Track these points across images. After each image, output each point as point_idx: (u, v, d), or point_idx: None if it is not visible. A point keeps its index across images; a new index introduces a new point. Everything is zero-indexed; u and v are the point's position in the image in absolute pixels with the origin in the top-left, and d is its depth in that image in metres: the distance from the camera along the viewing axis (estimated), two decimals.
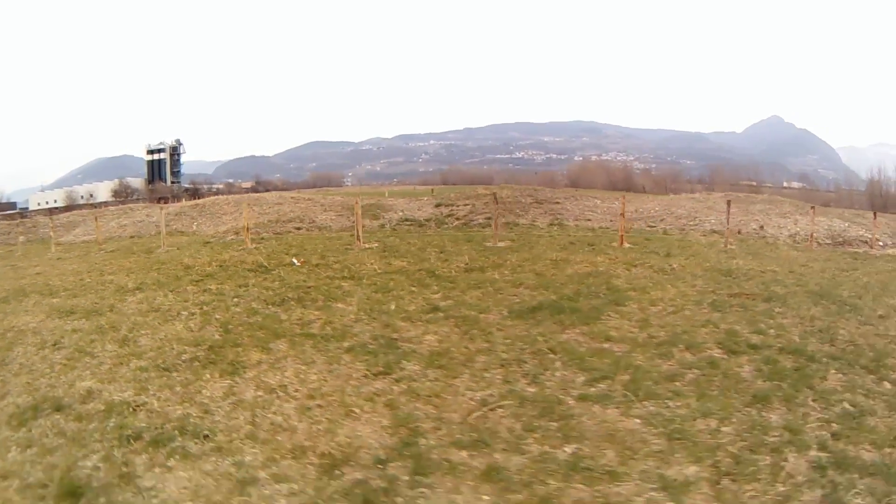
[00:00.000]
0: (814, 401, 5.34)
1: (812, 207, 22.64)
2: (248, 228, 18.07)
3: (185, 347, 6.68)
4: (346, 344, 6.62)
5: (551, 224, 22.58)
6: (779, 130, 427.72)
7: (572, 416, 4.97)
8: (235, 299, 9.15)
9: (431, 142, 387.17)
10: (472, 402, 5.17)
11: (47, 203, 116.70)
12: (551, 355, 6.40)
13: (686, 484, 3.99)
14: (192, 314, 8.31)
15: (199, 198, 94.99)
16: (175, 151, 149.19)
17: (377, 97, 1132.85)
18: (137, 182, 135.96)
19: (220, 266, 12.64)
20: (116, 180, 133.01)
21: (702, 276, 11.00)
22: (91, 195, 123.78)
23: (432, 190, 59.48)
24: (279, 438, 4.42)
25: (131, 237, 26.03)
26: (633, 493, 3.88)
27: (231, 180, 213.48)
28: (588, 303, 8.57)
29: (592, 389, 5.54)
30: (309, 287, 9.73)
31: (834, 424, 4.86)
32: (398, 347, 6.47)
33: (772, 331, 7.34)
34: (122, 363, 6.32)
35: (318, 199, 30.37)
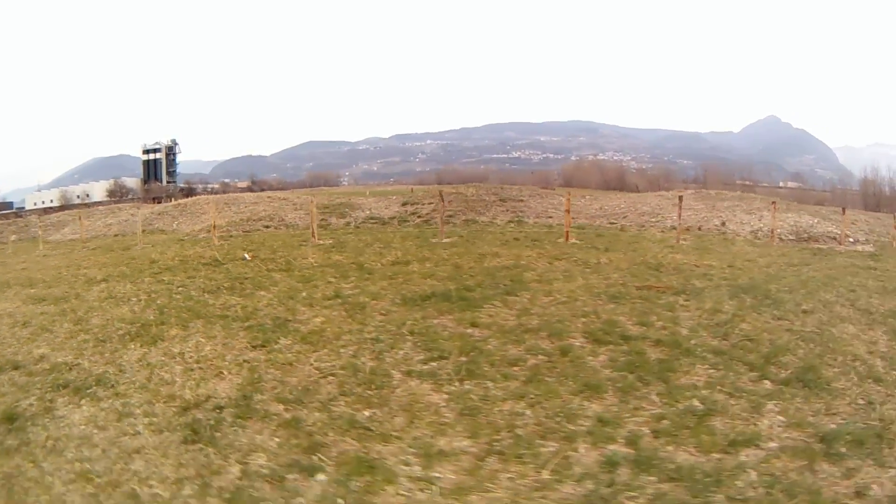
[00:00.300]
0: (658, 395, 5.42)
1: (773, 203, 22.88)
2: (214, 226, 19.47)
3: (123, 325, 8.02)
4: (247, 323, 7.85)
5: (510, 221, 23.50)
6: (776, 130, 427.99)
7: (388, 387, 5.65)
8: (180, 288, 10.47)
9: (428, 141, 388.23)
10: (315, 371, 6.12)
11: (43, 203, 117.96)
12: (409, 336, 7.13)
13: (447, 454, 4.37)
14: (140, 300, 9.67)
15: (192, 197, 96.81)
16: (171, 151, 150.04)
17: (374, 97, 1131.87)
18: (133, 182, 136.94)
19: (181, 261, 14.03)
20: (112, 180, 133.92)
21: (625, 269, 11.51)
22: (87, 195, 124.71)
23: (412, 189, 60.75)
24: (161, 389, 5.70)
25: (115, 235, 27.39)
26: (391, 453, 4.38)
27: (228, 180, 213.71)
28: (482, 292, 9.20)
29: (424, 367, 6.16)
30: (246, 278, 11.05)
31: (665, 421, 4.90)
32: (287, 327, 7.63)
33: (659, 323, 7.59)
34: (72, 337, 7.69)
35: (292, 198, 31.67)
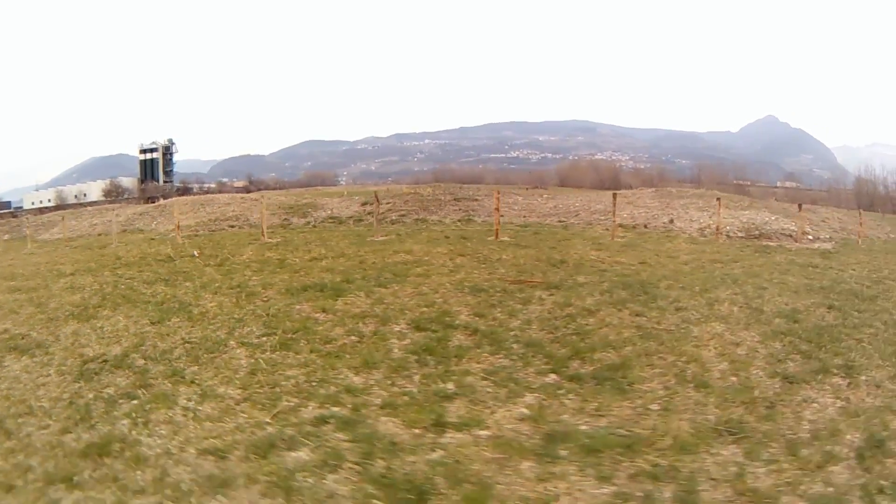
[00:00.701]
0: (425, 376, 6.05)
1: (718, 199, 22.26)
2: (178, 227, 21.42)
3: (71, 308, 9.96)
4: (162, 307, 9.62)
5: (459, 220, 24.60)
6: (774, 130, 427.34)
7: (219, 352, 7.02)
8: (127, 280, 12.39)
9: (426, 141, 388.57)
10: (180, 340, 7.62)
11: (41, 202, 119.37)
12: (263, 317, 8.49)
13: (218, 396, 5.68)
14: (91, 289, 11.61)
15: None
16: (167, 151, 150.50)
17: (373, 96, 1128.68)
18: (129, 182, 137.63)
19: (141, 258, 15.96)
20: (108, 180, 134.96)
21: (522, 265, 12.21)
22: (85, 195, 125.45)
23: (387, 189, 62.10)
24: (77, 350, 7.54)
25: (98, 235, 29.19)
26: (185, 393, 5.80)
27: (226, 179, 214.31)
28: (358, 284, 10.32)
29: (255, 340, 7.46)
30: (183, 272, 12.92)
31: (405, 397, 5.55)
32: (185, 309, 9.33)
33: (496, 314, 8.22)
34: (31, 317, 9.63)
35: (262, 200, 32.92)
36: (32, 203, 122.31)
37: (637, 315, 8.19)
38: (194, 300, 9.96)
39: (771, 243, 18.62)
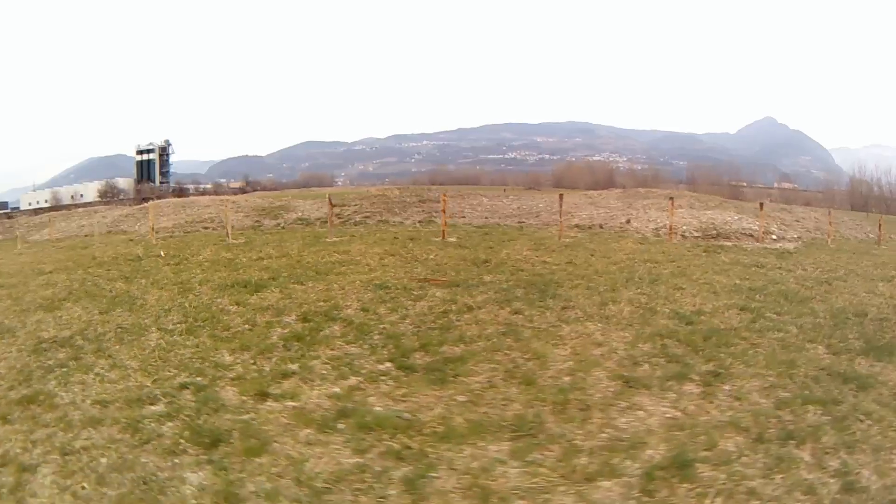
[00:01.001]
0: (279, 358, 6.95)
1: (671, 199, 22.36)
2: (153, 229, 22.87)
3: (42, 301, 11.24)
4: (114, 300, 10.84)
5: (420, 221, 25.35)
6: (772, 131, 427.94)
7: (140, 335, 8.18)
8: (95, 278, 13.59)
9: (424, 142, 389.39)
10: (116, 326, 8.67)
11: (38, 203, 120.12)
12: (187, 308, 9.60)
13: (118, 366, 6.86)
14: (63, 286, 12.82)
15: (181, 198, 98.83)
16: (164, 152, 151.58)
17: (371, 97, 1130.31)
18: (125, 183, 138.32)
19: (114, 257, 17.24)
20: (104, 181, 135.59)
21: (445, 264, 12.91)
22: (81, 195, 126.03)
23: (358, 191, 63.04)
24: (37, 333, 8.72)
25: (85, 236, 30.32)
26: (98, 363, 7.03)
27: (224, 180, 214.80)
28: (279, 281, 11.28)
29: (172, 326, 8.57)
30: (144, 270, 14.16)
31: (242, 370, 6.59)
32: (132, 301, 10.57)
33: (383, 309, 8.92)
34: (7, 308, 10.85)
35: (241, 202, 34.72)
36: (29, 203, 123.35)
37: (515, 313, 8.55)
38: (141, 294, 11.22)
39: (727, 243, 18.45)
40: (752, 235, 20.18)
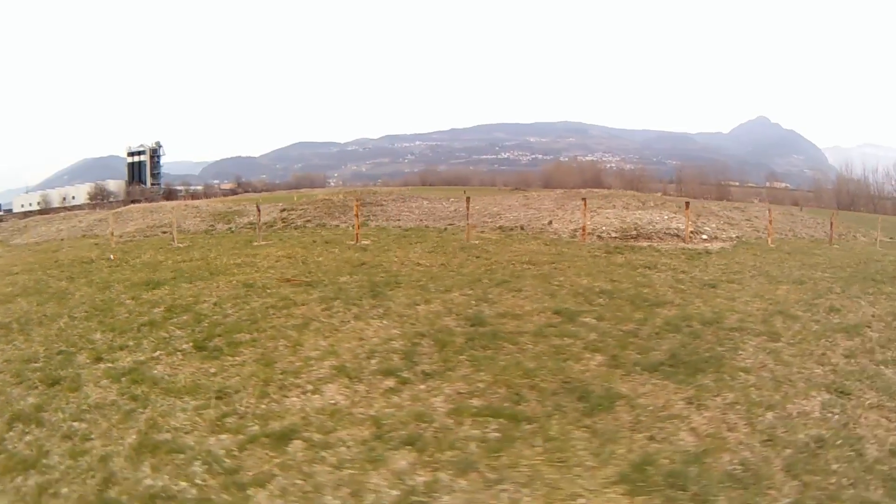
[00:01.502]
0: (119, 335, 8.41)
1: (584, 200, 21.49)
2: (112, 234, 24.49)
3: (0, 296, 12.77)
4: (53, 295, 12.25)
5: (360, 224, 25.15)
6: (765, 131, 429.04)
7: (53, 320, 9.66)
8: (48, 278, 14.90)
9: (417, 142, 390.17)
10: (41, 314, 10.24)
11: (30, 205, 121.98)
12: (97, 301, 11.00)
13: (28, 339, 8.53)
14: (21, 285, 14.14)
15: (170, 200, 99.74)
16: (155, 154, 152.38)
17: (364, 98, 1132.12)
18: (116, 185, 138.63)
19: (72, 261, 18.32)
20: (93, 183, 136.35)
21: (325, 267, 13.52)
22: (73, 197, 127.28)
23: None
24: None
25: (61, 239, 31.50)
26: (15, 333, 8.87)
27: (217, 181, 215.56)
28: (175, 281, 12.35)
29: (77, 314, 10.00)
30: (89, 271, 15.53)
31: (96, 343, 8.11)
32: (62, 297, 12.05)
33: (230, 304, 9.88)
34: None
35: (202, 207, 36.15)
36: (22, 205, 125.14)
37: (326, 309, 9.19)
38: (73, 291, 12.65)
39: (642, 244, 17.95)
40: (678, 235, 19.48)
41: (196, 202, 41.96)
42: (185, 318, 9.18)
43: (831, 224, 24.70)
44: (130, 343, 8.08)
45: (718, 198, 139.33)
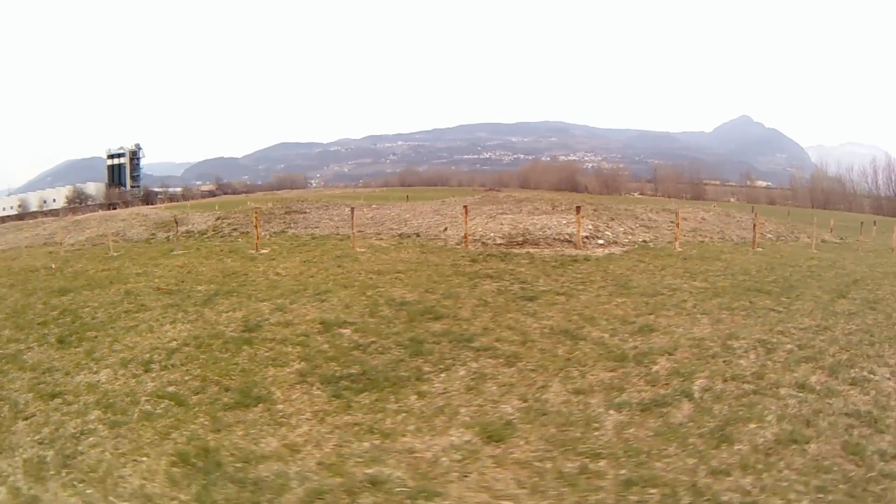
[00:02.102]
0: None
1: (465, 207, 21.28)
2: (62, 243, 26.90)
3: None
4: None
5: (276, 233, 26.09)
6: (748, 130, 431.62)
7: None
8: None
9: (400, 143, 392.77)
10: None
11: (11, 208, 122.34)
12: (16, 304, 12.28)
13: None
14: None
15: (149, 204, 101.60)
16: (135, 156, 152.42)
17: (347, 98, 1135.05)
18: (95, 188, 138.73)
19: (21, 269, 19.80)
20: (70, 187, 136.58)
21: (197, 273, 15.09)
22: (55, 199, 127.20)
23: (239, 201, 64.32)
24: None
25: (26, 247, 32.16)
26: None
27: (199, 182, 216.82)
28: (82, 290, 13.54)
29: None
30: (28, 279, 16.93)
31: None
32: None
33: (88, 307, 11.31)
34: None
35: (150, 215, 37.66)
36: (3, 209, 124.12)
37: (162, 314, 10.42)
38: (8, 296, 13.90)
39: (520, 251, 17.27)
40: (570, 241, 18.61)
41: (146, 210, 43.39)
42: (67, 319, 10.63)
43: (754, 226, 22.87)
44: (22, 337, 9.77)
45: (694, 196, 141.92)
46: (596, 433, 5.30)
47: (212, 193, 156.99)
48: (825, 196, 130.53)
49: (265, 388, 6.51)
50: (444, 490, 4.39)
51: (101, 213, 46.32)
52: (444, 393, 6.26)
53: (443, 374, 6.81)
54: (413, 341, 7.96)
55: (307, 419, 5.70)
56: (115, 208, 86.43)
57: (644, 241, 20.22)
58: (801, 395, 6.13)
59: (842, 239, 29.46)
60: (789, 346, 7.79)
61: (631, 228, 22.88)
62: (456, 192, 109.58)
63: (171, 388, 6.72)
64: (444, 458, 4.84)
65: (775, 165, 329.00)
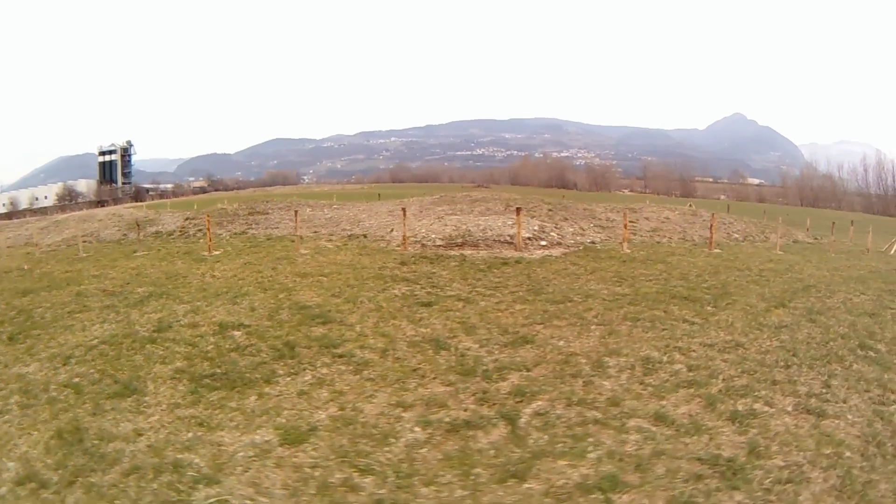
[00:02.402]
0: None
1: (403, 210, 21.07)
2: (37, 245, 27.98)
3: None
4: None
5: (236, 234, 26.47)
6: (741, 127, 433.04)
7: None
8: None
9: (393, 139, 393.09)
10: None
11: (3, 206, 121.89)
12: None
13: None
14: None
15: (139, 201, 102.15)
16: (126, 153, 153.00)
17: (340, 94, 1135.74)
18: (86, 185, 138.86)
19: None
20: (60, 184, 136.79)
21: (140, 275, 15.63)
22: (46, 197, 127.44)
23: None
24: None
25: (9, 247, 32.88)
26: None
27: (193, 178, 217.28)
28: (41, 290, 13.97)
29: None
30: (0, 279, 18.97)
31: None
32: None
33: (46, 314, 11.27)
34: None
35: (125, 215, 38.34)
36: (3, 205, 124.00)
37: (99, 315, 11.00)
38: None
39: (453, 252, 17.30)
40: (511, 243, 18.38)
41: (123, 210, 43.91)
42: (21, 318, 11.13)
43: (711, 226, 21.68)
44: None
45: (684, 194, 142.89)
46: (385, 448, 5.29)
47: (203, 190, 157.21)
48: (815, 194, 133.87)
49: (144, 382, 7.18)
50: (223, 479, 4.85)
51: (80, 213, 46.85)
52: (278, 395, 6.60)
53: (289, 378, 7.15)
54: (287, 345, 8.39)
55: (162, 410, 6.37)
56: (104, 205, 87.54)
57: (592, 243, 19.99)
58: (653, 429, 5.48)
59: (816, 239, 28.96)
60: (677, 367, 7.21)
61: (582, 229, 22.69)
62: (445, 188, 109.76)
63: (76, 379, 7.44)
64: (240, 453, 5.26)
65: (769, 163, 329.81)
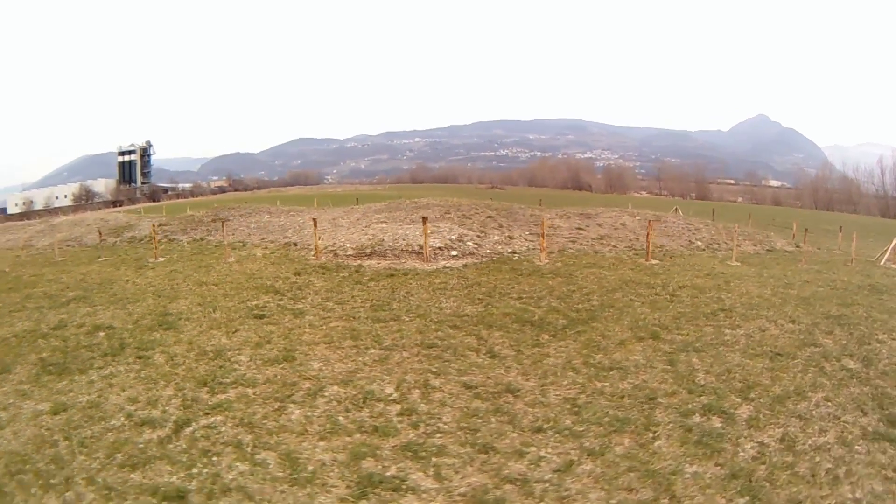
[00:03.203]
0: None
1: (313, 219, 21.68)
2: (22, 248, 29.57)
3: None
4: None
5: (195, 240, 26.98)
6: (764, 129, 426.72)
7: None
8: None
9: (416, 139, 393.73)
10: None
11: (23, 205, 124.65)
12: None
13: None
14: None
15: (156, 201, 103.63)
16: (145, 153, 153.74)
17: (364, 95, 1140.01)
18: (104, 184, 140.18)
19: None
20: (78, 184, 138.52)
21: (90, 282, 16.11)
22: (66, 195, 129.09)
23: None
24: None
25: (8, 249, 33.25)
26: None
27: (216, 178, 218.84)
28: (2, 291, 15.21)
29: None
30: None
31: None
32: None
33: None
34: None
35: (111, 220, 38.61)
36: (16, 205, 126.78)
37: (21, 308, 12.65)
38: None
39: (360, 262, 17.44)
40: (420, 253, 18.14)
41: (110, 216, 44.54)
42: None
43: (647, 234, 19.75)
44: None
45: (700, 196, 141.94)
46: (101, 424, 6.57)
47: (222, 189, 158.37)
48: (829, 196, 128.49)
49: (13, 366, 8.61)
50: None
51: (70, 217, 47.78)
52: (70, 383, 7.92)
53: (90, 371, 8.30)
54: (122, 345, 9.40)
55: (11, 386, 7.82)
56: (120, 205, 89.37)
57: (513, 252, 19.22)
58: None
59: (798, 247, 26.92)
60: (390, 409, 6.78)
61: (510, 238, 21.59)
62: (461, 189, 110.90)
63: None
64: (26, 414, 6.91)
65: (792, 165, 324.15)
